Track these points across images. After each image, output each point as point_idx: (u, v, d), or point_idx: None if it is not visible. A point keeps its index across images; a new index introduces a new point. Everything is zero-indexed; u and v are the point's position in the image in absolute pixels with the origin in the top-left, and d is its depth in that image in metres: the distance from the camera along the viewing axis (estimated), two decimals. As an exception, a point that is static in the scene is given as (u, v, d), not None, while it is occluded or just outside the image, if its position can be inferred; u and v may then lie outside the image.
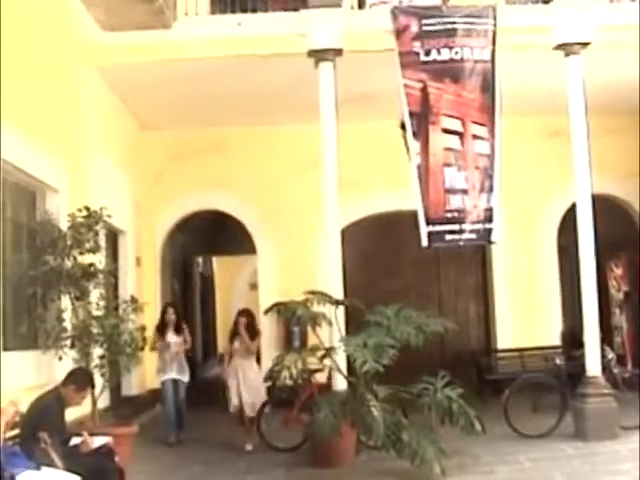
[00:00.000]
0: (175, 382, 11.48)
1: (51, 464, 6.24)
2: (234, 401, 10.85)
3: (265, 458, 10.05)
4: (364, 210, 15.39)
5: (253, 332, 11.12)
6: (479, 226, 10.81)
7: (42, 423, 6.53)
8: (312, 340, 11.44)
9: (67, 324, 9.28)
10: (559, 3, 11.30)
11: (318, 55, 11.10)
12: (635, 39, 11.30)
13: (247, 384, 10.84)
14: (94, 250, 9.56)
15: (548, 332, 15.16)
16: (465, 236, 10.82)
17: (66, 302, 9.40)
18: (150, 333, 10.92)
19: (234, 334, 11.12)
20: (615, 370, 11.26)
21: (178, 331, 11.65)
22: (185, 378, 11.63)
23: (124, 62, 11.80)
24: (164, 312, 11.86)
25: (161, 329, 11.59)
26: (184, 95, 13.45)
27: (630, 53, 11.61)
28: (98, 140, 12.07)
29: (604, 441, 10.04)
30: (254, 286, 18.96)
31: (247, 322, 11.09)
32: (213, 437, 11.34)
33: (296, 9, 11.55)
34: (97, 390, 9.05)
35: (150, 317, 12.28)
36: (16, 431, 6.36)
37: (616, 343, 15.17)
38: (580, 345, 11.23)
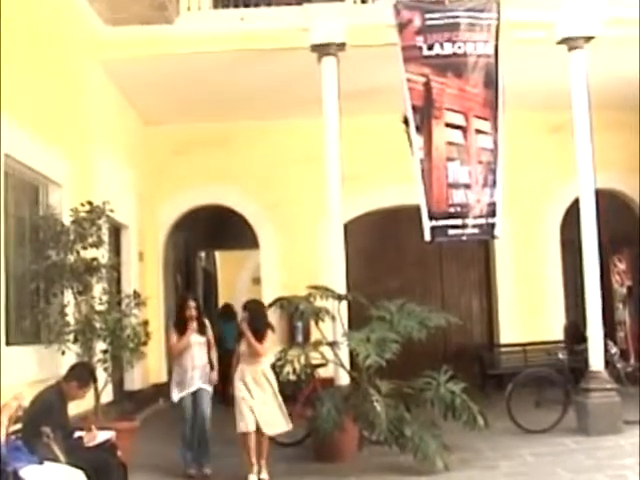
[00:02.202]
0: (195, 393, 9.09)
1: (54, 459, 6.25)
2: (247, 418, 8.67)
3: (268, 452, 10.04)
4: (367, 205, 15.38)
5: (260, 330, 8.93)
6: (482, 221, 10.78)
7: (44, 418, 6.53)
8: (315, 335, 11.41)
9: (70, 319, 9.29)
10: (562, -3, 11.29)
11: (321, 50, 11.08)
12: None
13: (265, 393, 8.82)
14: (97, 245, 9.56)
15: (551, 327, 15.19)
16: (468, 231, 10.80)
17: (69, 296, 9.41)
18: (153, 328, 10.66)
19: (240, 333, 9.07)
20: (618, 365, 11.26)
21: (200, 330, 9.27)
22: (209, 387, 9.20)
23: (127, 57, 11.81)
24: (183, 306, 9.36)
25: (180, 328, 9.22)
26: (187, 90, 13.45)
27: (634, 48, 11.58)
28: (101, 135, 12.07)
29: (607, 436, 10.03)
30: (257, 281, 18.93)
31: (250, 318, 9.05)
32: (215, 432, 11.29)
33: (299, 3, 11.55)
34: (100, 385, 9.07)
35: (153, 312, 12.28)
36: (19, 426, 6.36)
37: (619, 338, 15.18)
38: (583, 340, 11.24)
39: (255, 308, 9.26)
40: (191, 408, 9.09)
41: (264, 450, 8.80)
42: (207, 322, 9.46)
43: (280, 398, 8.91)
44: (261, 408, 8.71)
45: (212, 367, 9.26)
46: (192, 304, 9.29)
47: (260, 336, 8.87)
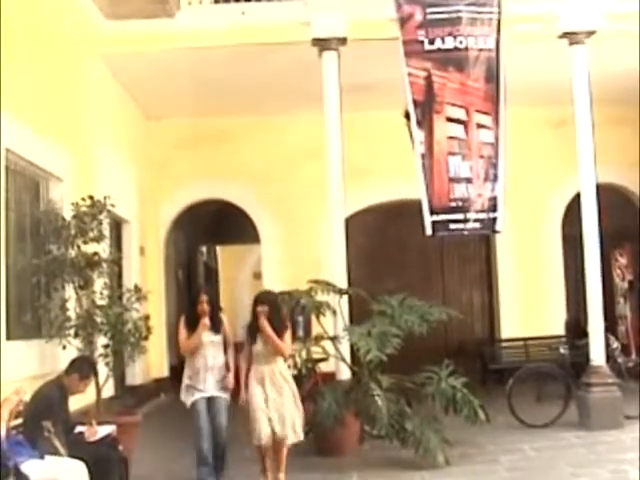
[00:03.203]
0: (210, 401, 8.20)
1: (55, 453, 6.26)
2: (264, 428, 7.76)
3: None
4: (368, 200, 15.38)
5: (280, 325, 8.10)
6: (483, 215, 10.77)
7: (45, 412, 6.53)
8: (316, 329, 11.40)
9: (71, 313, 9.27)
10: (564, -9, 11.27)
11: (322, 44, 11.07)
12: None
13: (283, 397, 7.90)
14: (98, 239, 9.55)
15: (552, 321, 15.20)
16: (469, 225, 10.79)
17: (70, 291, 9.39)
18: (154, 322, 10.59)
19: (256, 331, 8.05)
20: (619, 359, 11.28)
21: (215, 328, 8.36)
22: (225, 394, 8.28)
23: (128, 51, 11.80)
24: (195, 301, 8.44)
25: (191, 324, 8.33)
26: (188, 84, 13.44)
27: (634, 43, 11.55)
28: (102, 129, 12.07)
29: (608, 430, 10.04)
30: (258, 275, 18.95)
31: (269, 312, 8.05)
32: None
33: (300, -3, 11.54)
34: (101, 379, 9.07)
35: (154, 306, 12.24)
36: (20, 420, 6.37)
37: (620, 332, 15.17)
38: (584, 334, 11.24)
39: (274, 300, 8.31)
40: (206, 418, 8.15)
41: (282, 460, 7.91)
42: (224, 319, 8.56)
43: (299, 401, 8.05)
44: (277, 414, 7.82)
45: (228, 369, 8.32)
46: (204, 298, 8.35)
47: (281, 333, 8.01)
